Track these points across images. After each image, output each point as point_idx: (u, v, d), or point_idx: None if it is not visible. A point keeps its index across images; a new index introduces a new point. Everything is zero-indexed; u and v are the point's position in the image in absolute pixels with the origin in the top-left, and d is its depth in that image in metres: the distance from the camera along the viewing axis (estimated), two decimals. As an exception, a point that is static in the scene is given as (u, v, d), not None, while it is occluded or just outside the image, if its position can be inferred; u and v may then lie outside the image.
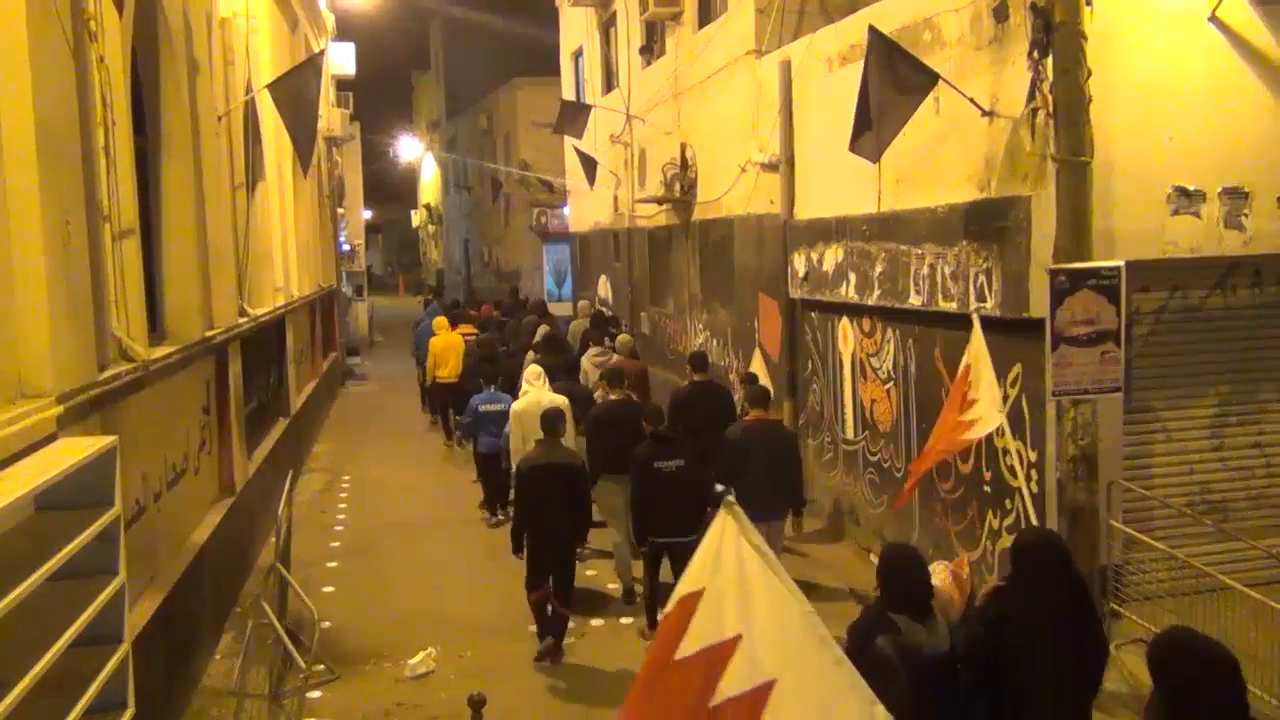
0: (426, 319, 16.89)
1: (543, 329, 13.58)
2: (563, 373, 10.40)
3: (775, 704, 2.93)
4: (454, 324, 15.29)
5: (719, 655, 2.97)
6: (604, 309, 18.04)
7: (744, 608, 2.98)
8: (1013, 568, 4.33)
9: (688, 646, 3.00)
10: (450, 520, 11.00)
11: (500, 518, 10.53)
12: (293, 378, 13.20)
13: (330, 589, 8.96)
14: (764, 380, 9.61)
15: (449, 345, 14.41)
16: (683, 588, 3.08)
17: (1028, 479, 6.95)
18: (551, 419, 7.67)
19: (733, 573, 3.00)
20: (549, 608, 7.41)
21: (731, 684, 2.96)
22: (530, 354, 12.06)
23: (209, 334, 7.98)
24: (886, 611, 3.92)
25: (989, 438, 7.32)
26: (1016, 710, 3.85)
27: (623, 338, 12.26)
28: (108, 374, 5.45)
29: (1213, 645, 3.27)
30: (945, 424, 6.53)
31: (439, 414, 15.49)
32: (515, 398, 9.55)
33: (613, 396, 8.86)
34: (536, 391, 9.07)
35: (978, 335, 6.38)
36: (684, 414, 8.79)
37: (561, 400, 8.83)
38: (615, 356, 11.43)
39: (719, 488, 7.32)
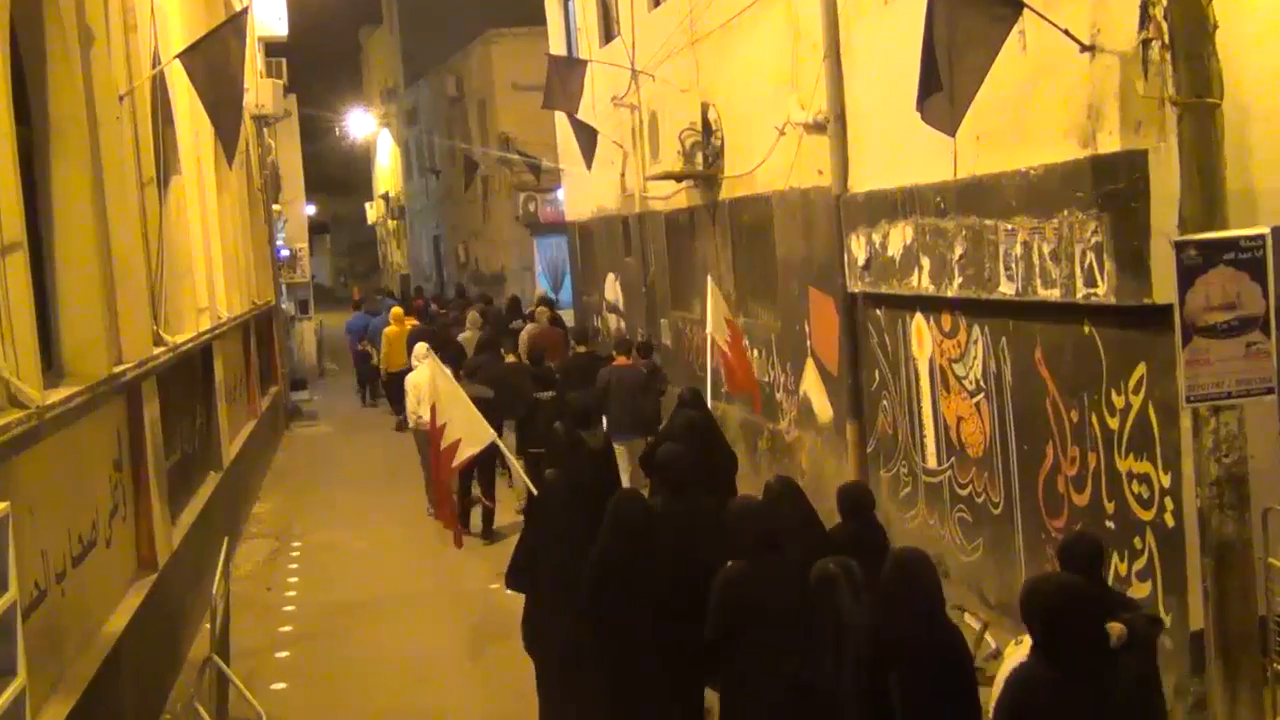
0: (357, 318, 23.87)
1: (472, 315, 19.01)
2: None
3: (461, 449, 8.79)
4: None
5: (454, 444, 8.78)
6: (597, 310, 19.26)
7: (449, 406, 8.91)
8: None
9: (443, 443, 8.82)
10: (432, 594, 11.03)
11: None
12: (225, 420, 13.29)
13: (281, 685, 9.02)
14: (823, 399, 11.96)
15: (399, 335, 19.23)
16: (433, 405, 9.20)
17: (1160, 509, 6.93)
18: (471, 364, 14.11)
19: (440, 390, 9.09)
20: (480, 506, 12.76)
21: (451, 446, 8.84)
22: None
23: (117, 370, 8.05)
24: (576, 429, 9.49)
25: (1111, 459, 7.33)
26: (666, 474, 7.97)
27: (541, 309, 18.65)
28: (-6, 425, 5.52)
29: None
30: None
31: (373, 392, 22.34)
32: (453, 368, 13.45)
33: (510, 358, 14.18)
34: (424, 365, 12.63)
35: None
36: (571, 375, 13.52)
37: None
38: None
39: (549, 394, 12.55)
